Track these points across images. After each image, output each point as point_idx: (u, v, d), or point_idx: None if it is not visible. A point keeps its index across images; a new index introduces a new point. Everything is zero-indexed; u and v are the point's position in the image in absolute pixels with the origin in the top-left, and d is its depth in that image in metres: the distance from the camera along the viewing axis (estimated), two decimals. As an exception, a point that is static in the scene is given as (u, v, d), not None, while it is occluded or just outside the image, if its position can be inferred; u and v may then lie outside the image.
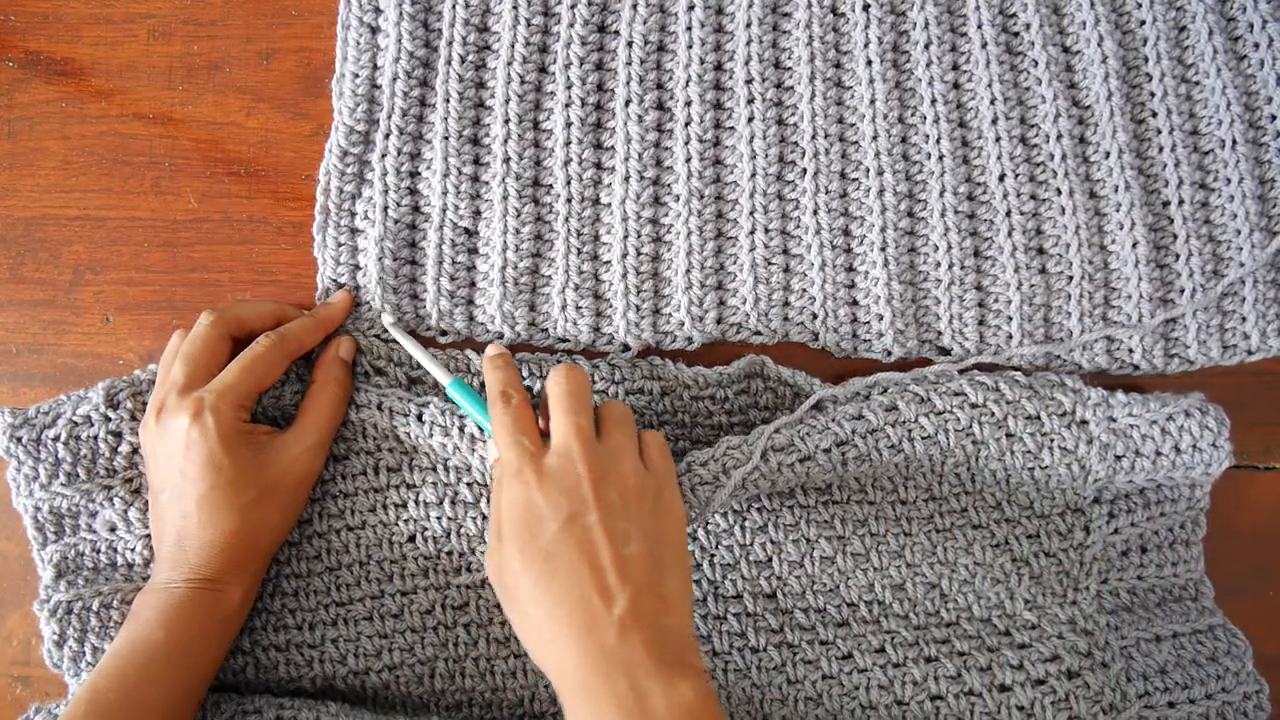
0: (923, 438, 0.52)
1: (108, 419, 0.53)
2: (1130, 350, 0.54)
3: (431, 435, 0.52)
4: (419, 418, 0.52)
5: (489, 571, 0.46)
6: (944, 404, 0.52)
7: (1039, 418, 0.52)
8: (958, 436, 0.52)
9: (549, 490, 0.43)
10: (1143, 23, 0.55)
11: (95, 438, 0.53)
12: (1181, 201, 0.54)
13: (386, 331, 0.56)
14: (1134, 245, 0.53)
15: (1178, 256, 0.54)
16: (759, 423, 0.55)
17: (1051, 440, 0.51)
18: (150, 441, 0.50)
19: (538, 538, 0.43)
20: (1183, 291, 0.54)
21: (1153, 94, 0.55)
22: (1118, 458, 0.51)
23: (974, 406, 0.52)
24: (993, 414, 0.51)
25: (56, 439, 0.52)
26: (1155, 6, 0.55)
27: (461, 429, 0.52)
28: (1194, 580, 0.55)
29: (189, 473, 0.48)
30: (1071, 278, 0.54)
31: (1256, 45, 0.55)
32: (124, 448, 0.53)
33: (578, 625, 0.41)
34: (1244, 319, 0.54)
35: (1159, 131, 0.55)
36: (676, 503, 0.46)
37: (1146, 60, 0.55)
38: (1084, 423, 0.51)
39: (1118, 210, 0.54)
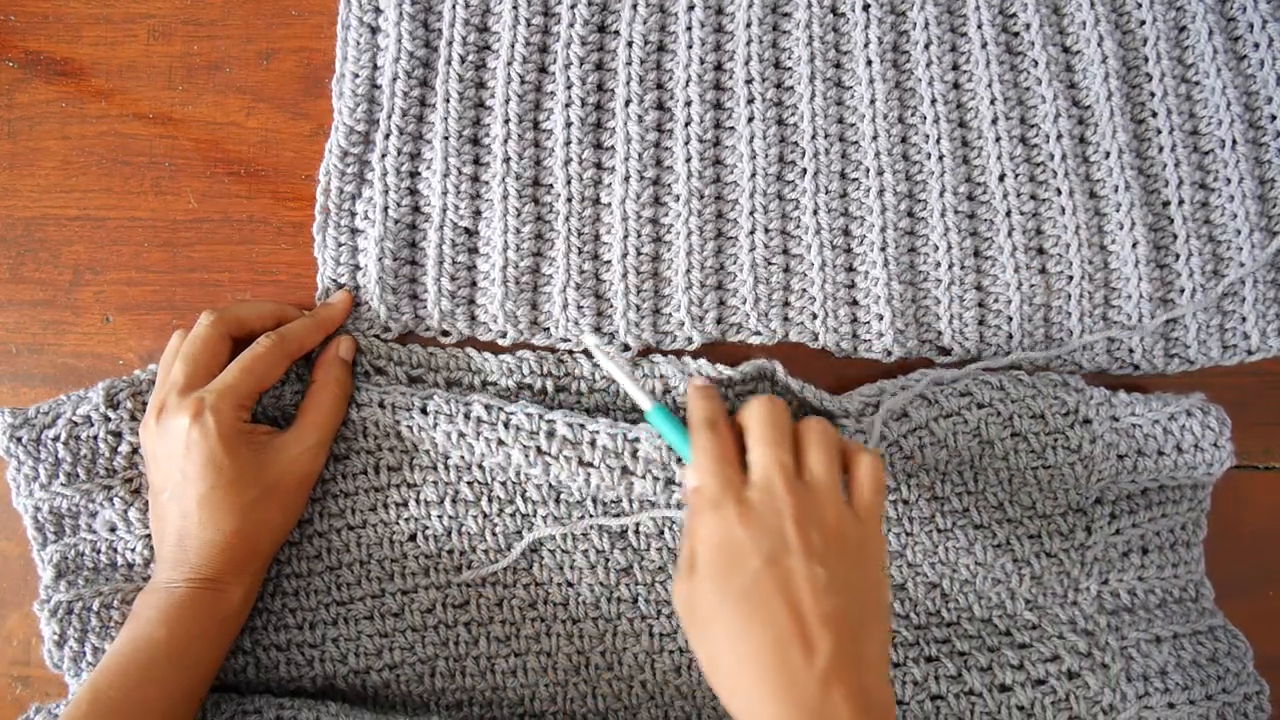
0: (933, 443, 0.51)
1: (107, 419, 0.52)
2: (1131, 350, 0.53)
3: (436, 426, 0.51)
4: (423, 410, 0.51)
5: (676, 600, 0.43)
6: (952, 405, 0.51)
7: (1044, 416, 0.51)
8: (966, 438, 0.51)
9: (750, 526, 0.41)
10: (1143, 23, 0.55)
11: (95, 438, 0.52)
12: (1181, 201, 0.53)
13: (388, 332, 0.55)
14: (1134, 245, 0.53)
15: (1178, 256, 0.53)
16: None
17: (1056, 439, 0.51)
18: (150, 442, 0.49)
19: (736, 575, 0.40)
20: (1183, 292, 0.53)
21: (1153, 94, 0.54)
22: (1121, 457, 0.51)
23: (980, 406, 0.51)
24: (999, 413, 0.51)
25: (56, 439, 0.52)
26: (1155, 7, 0.55)
27: (467, 416, 0.51)
28: (1194, 582, 0.54)
29: (189, 473, 0.47)
30: (1071, 278, 0.53)
31: (1256, 45, 0.54)
32: (124, 448, 0.52)
33: (776, 675, 0.38)
34: (1244, 319, 0.53)
35: (1159, 131, 0.54)
36: (879, 548, 0.43)
37: (1146, 60, 0.55)
38: (1088, 422, 0.51)
39: (1117, 210, 0.53)
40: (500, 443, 0.50)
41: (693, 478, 0.44)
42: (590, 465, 0.49)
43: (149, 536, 0.53)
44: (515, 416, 0.50)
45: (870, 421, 0.50)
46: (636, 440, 0.49)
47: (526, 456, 0.50)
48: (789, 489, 0.41)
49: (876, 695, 0.39)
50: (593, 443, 0.49)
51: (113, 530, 0.53)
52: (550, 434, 0.50)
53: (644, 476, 0.49)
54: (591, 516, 0.52)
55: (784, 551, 0.40)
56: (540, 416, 0.50)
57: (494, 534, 0.52)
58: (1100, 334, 0.52)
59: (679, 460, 0.49)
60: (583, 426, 0.50)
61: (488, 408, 0.51)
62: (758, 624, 0.39)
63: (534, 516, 0.52)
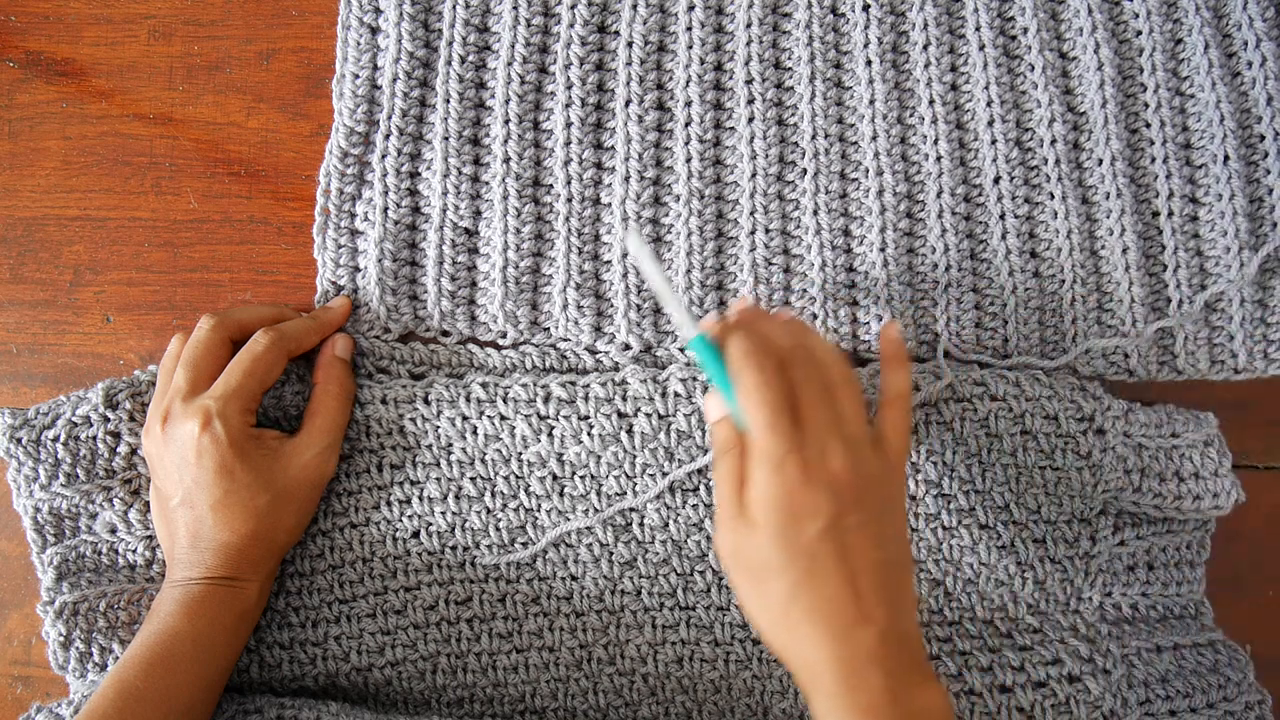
0: (939, 422, 0.48)
1: (106, 419, 0.49)
2: (1126, 355, 0.50)
3: (440, 414, 0.48)
4: (425, 399, 0.49)
5: (722, 545, 0.41)
6: (966, 392, 0.48)
7: (1057, 419, 0.47)
8: (973, 426, 0.48)
9: (812, 488, 0.39)
10: (1139, 33, 0.51)
11: (94, 438, 0.49)
12: (1171, 213, 0.50)
13: (388, 333, 0.52)
14: (1124, 251, 0.50)
15: (1165, 267, 0.50)
16: None
17: (1066, 443, 0.47)
18: (156, 449, 0.46)
19: (799, 535, 0.39)
20: (1169, 302, 0.50)
21: (1147, 104, 0.51)
22: (1128, 472, 0.48)
23: (994, 399, 0.48)
24: (1011, 409, 0.48)
25: (56, 440, 0.48)
26: (1152, 17, 0.51)
27: (468, 398, 0.48)
28: (1195, 601, 0.51)
29: (202, 480, 0.45)
30: (1064, 281, 0.50)
31: (1250, 63, 0.50)
32: (122, 448, 0.49)
33: (835, 628, 0.39)
34: (1231, 336, 0.50)
35: (1152, 142, 0.51)
36: (904, 487, 0.43)
37: (1142, 70, 0.51)
38: (1101, 432, 0.47)
39: (1108, 217, 0.50)
40: (503, 418, 0.48)
41: (713, 407, 0.43)
42: (587, 419, 0.48)
43: (150, 537, 0.50)
44: (513, 389, 0.48)
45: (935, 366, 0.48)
46: (624, 383, 0.48)
47: (530, 425, 0.48)
48: (844, 448, 0.40)
49: (913, 634, 0.40)
50: (586, 396, 0.48)
51: (113, 531, 0.50)
52: (547, 398, 0.48)
53: (636, 415, 0.48)
54: (597, 510, 0.49)
55: (844, 511, 0.39)
56: (535, 384, 0.49)
57: (498, 529, 0.49)
58: (1094, 343, 0.49)
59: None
60: (574, 383, 0.48)
61: (485, 385, 0.49)
62: (819, 582, 0.39)
63: (538, 511, 0.49)
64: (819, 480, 0.39)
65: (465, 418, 0.48)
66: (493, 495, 0.49)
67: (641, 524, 0.49)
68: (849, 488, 0.39)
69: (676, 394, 0.48)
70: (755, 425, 0.40)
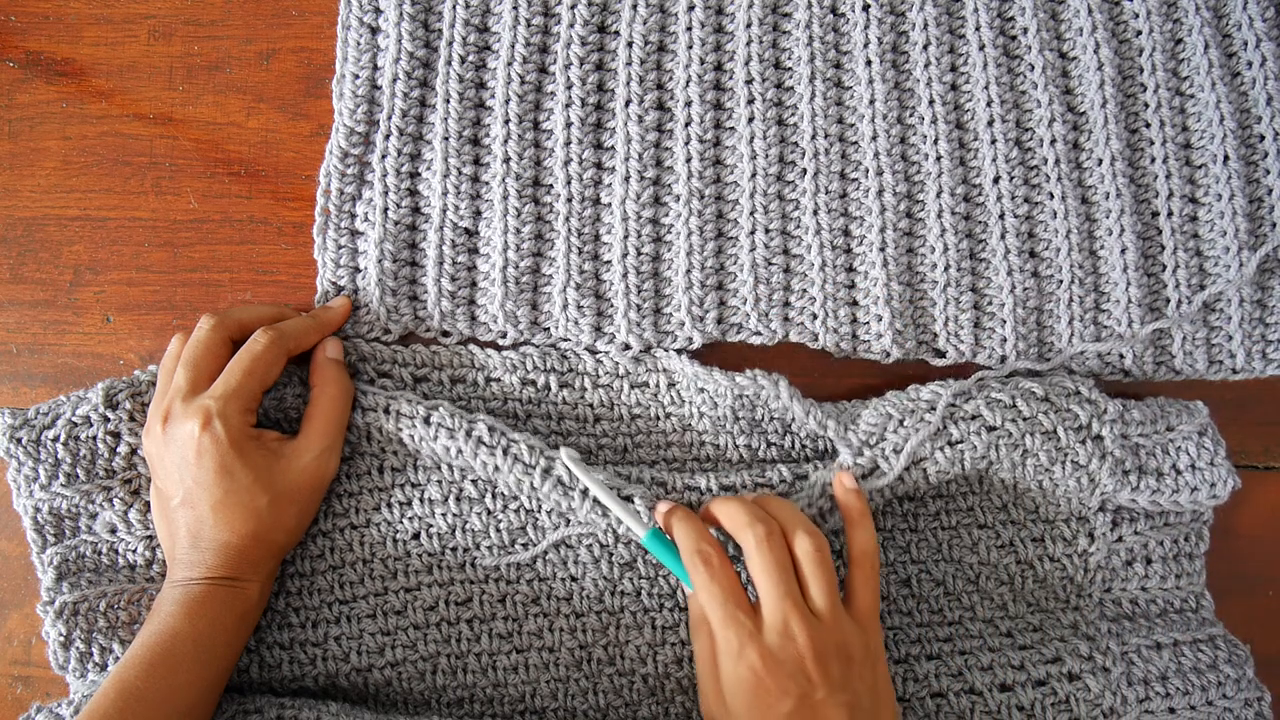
0: (937, 471, 0.47)
1: (106, 419, 0.49)
2: (1121, 356, 0.50)
3: (436, 438, 0.48)
4: (426, 420, 0.48)
5: (705, 714, 0.43)
6: (960, 432, 0.47)
7: (1055, 433, 0.47)
8: (974, 461, 0.47)
9: (775, 673, 0.40)
10: (1139, 33, 0.51)
11: (94, 438, 0.49)
12: (1170, 213, 0.50)
13: (388, 334, 0.52)
14: (1123, 251, 0.50)
15: (1164, 267, 0.50)
16: (763, 419, 0.51)
17: (1065, 455, 0.47)
18: (156, 449, 0.46)
19: (768, 717, 0.40)
20: (1169, 302, 0.50)
21: (1147, 104, 0.51)
22: (1125, 472, 0.48)
23: (991, 430, 0.47)
24: (1010, 434, 0.47)
25: (56, 440, 0.48)
26: (1152, 17, 0.51)
27: (469, 433, 0.47)
28: (1195, 593, 0.51)
29: (202, 480, 0.45)
30: (1062, 281, 0.50)
31: (1250, 64, 0.50)
32: (122, 448, 0.49)
33: None
34: (1230, 337, 0.50)
35: (1151, 142, 0.51)
36: (879, 641, 0.43)
37: (1142, 70, 0.51)
38: (1099, 438, 0.47)
39: (1108, 217, 0.50)
40: (496, 468, 0.48)
41: (707, 618, 0.43)
42: (574, 510, 0.47)
43: (150, 537, 0.50)
44: (516, 447, 0.47)
45: (885, 473, 0.47)
46: (619, 521, 0.47)
47: (519, 486, 0.48)
48: (805, 628, 0.41)
49: None
50: (584, 491, 0.47)
51: (113, 531, 0.50)
52: (546, 471, 0.47)
53: (625, 543, 0.48)
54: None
55: (810, 690, 0.40)
56: (541, 452, 0.47)
57: (498, 530, 0.49)
58: (1090, 346, 0.49)
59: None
60: (577, 479, 0.47)
61: (491, 430, 0.48)
62: None
63: (538, 513, 0.49)
64: (781, 665, 0.40)
65: (460, 452, 0.48)
66: (493, 497, 0.49)
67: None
68: (814, 664, 0.40)
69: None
70: (712, 620, 0.42)
